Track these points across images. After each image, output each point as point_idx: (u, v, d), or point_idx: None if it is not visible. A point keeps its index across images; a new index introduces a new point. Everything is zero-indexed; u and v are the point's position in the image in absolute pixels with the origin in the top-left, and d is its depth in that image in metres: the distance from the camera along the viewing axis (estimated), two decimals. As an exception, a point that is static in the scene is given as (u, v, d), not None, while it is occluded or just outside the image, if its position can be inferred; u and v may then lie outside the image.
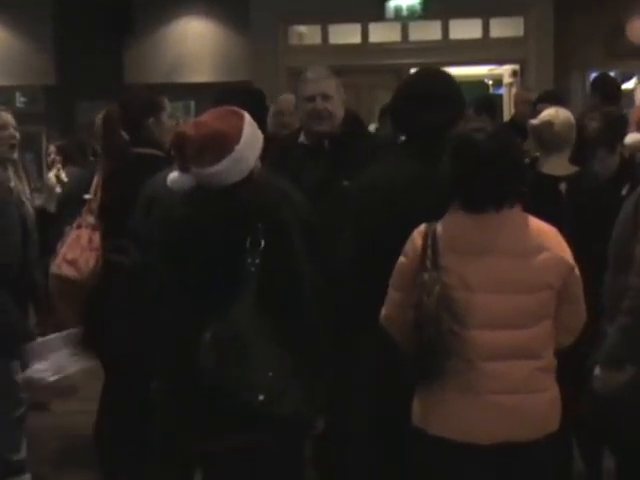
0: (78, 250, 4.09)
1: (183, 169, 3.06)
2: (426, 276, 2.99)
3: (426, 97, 3.54)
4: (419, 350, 2.98)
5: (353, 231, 3.56)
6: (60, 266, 4.11)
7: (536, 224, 3.09)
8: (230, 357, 2.91)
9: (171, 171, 3.26)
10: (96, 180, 4.31)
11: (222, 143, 2.99)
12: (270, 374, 2.94)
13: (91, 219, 4.17)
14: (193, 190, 3.08)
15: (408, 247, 3.10)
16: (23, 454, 4.70)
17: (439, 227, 3.06)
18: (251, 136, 3.07)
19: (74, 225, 4.23)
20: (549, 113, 4.52)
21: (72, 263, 4.10)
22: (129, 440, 4.26)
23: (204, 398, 2.98)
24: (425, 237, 3.05)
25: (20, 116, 5.06)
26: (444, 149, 3.15)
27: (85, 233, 4.15)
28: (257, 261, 2.95)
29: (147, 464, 3.86)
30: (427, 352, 2.97)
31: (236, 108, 3.14)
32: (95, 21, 11.94)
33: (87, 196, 4.24)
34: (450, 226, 3.05)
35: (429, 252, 3.02)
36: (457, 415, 3.01)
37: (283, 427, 3.02)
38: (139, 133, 4.43)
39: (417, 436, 3.11)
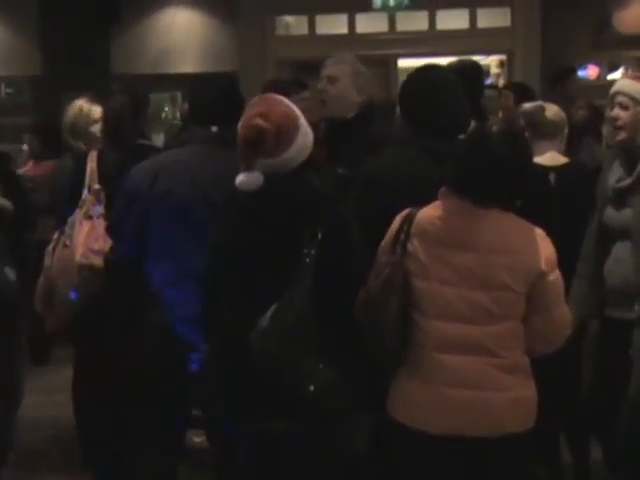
0: (101, 240, 4.08)
1: (250, 167, 3.02)
2: (384, 258, 3.05)
3: (443, 98, 3.52)
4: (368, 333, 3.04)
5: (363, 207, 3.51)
6: (87, 256, 4.10)
7: (517, 224, 3.07)
8: (287, 344, 2.92)
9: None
10: (92, 170, 4.31)
11: (292, 125, 3.02)
12: (321, 366, 2.96)
13: (101, 209, 4.18)
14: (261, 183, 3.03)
15: (389, 230, 3.14)
16: None
17: (420, 213, 3.08)
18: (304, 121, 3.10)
19: (78, 216, 4.21)
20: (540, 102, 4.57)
21: (100, 253, 4.09)
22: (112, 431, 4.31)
23: (252, 381, 2.99)
24: (404, 221, 3.09)
25: (5, 107, 5.03)
26: (451, 150, 3.19)
27: (99, 223, 4.15)
28: (312, 252, 2.96)
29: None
30: (374, 335, 3.03)
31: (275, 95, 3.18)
32: (81, 11, 11.93)
33: (97, 186, 4.24)
34: (429, 213, 3.08)
35: (402, 236, 3.06)
36: (414, 403, 3.06)
37: (326, 419, 3.03)
38: (136, 125, 4.53)
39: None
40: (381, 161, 3.57)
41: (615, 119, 3.86)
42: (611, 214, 3.85)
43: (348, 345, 3.03)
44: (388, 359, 3.10)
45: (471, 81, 5.26)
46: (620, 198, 3.82)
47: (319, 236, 2.96)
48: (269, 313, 2.92)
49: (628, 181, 3.79)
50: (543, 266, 3.02)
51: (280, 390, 2.95)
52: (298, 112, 3.08)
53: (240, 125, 3.08)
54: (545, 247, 3.06)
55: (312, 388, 2.94)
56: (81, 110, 5.08)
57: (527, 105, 4.61)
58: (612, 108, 3.90)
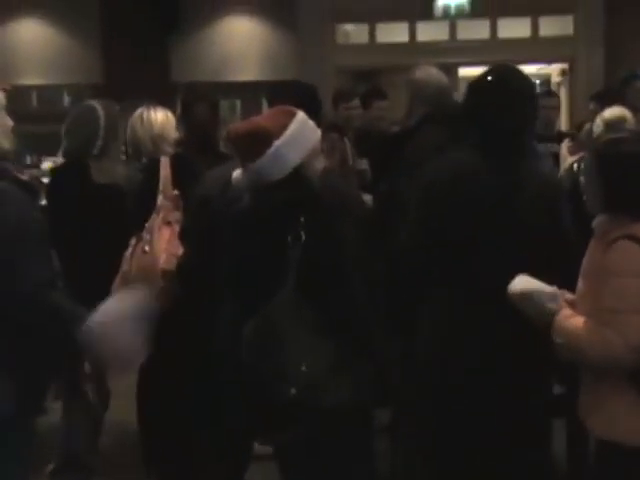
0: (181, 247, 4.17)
1: (242, 165, 3.22)
2: None
3: (507, 101, 3.57)
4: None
5: (420, 217, 3.67)
6: (170, 262, 4.15)
7: None
8: (264, 351, 3.01)
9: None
10: (165, 177, 4.39)
11: (262, 139, 3.09)
12: (303, 368, 2.99)
13: (179, 215, 4.25)
14: (248, 188, 3.20)
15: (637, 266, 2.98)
16: None
17: None
18: (297, 134, 3.13)
19: (157, 222, 4.26)
20: (618, 109, 4.73)
21: None
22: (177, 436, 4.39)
23: (242, 392, 3.10)
24: None
25: (66, 115, 5.16)
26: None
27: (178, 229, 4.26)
28: (296, 255, 3.04)
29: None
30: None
31: (291, 107, 3.22)
32: (141, 20, 12.27)
33: (175, 192, 4.31)
34: None
35: None
36: None
37: (329, 419, 3.05)
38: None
39: None
40: (438, 162, 3.73)
41: None
42: None
43: (347, 338, 3.07)
44: None
45: None
46: None
47: (302, 239, 3.04)
48: (251, 324, 3.04)
49: None
50: None
51: (264, 399, 3.04)
52: (285, 135, 3.12)
53: None
54: None
55: (294, 391, 2.98)
56: (141, 119, 5.16)
57: (608, 114, 4.70)
58: None
